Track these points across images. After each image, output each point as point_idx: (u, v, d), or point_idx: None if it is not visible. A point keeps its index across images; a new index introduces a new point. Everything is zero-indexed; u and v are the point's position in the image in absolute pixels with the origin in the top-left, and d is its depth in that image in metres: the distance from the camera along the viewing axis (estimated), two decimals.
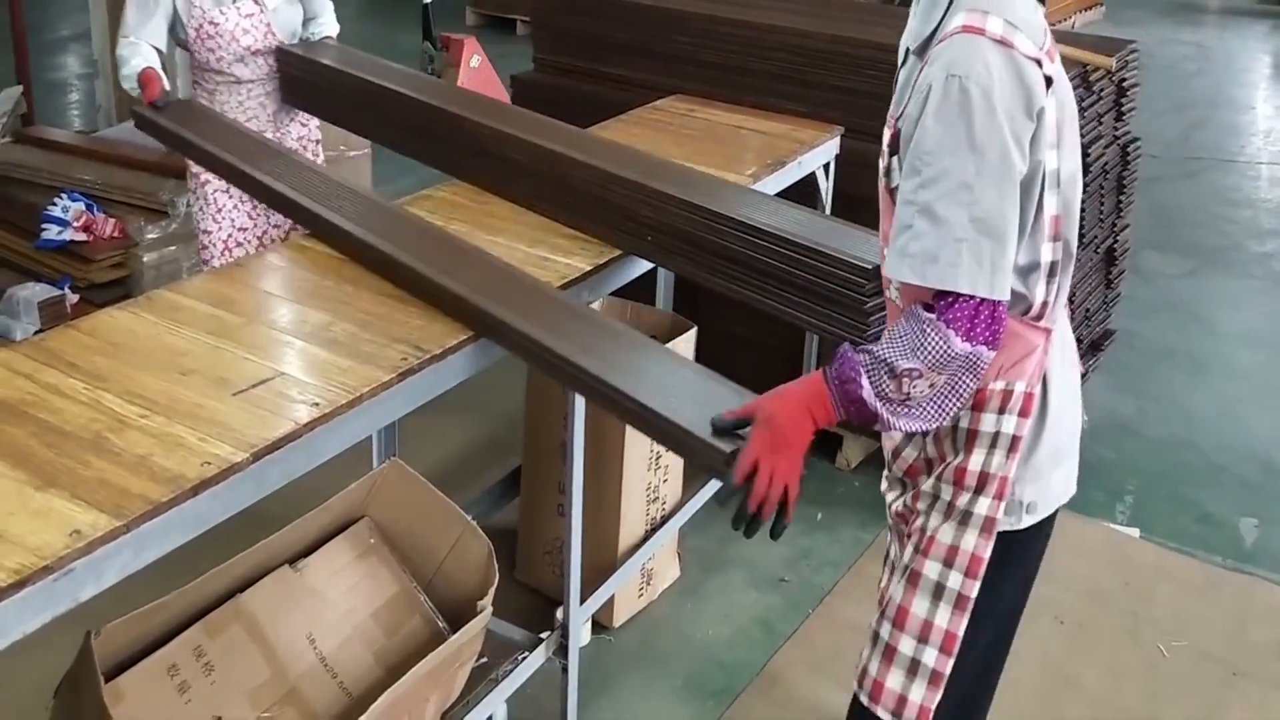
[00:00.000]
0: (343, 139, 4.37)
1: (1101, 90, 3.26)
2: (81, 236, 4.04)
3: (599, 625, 2.70)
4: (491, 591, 2.08)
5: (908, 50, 1.66)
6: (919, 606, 1.71)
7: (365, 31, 7.84)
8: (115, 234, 4.09)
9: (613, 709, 2.52)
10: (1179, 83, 7.94)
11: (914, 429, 1.55)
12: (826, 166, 3.18)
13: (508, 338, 2.02)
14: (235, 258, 3.17)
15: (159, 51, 3.11)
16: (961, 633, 1.70)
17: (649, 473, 2.75)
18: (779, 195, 2.94)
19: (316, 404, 1.78)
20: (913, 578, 1.72)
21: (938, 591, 1.70)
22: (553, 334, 1.97)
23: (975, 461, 1.66)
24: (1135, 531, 3.26)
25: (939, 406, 1.54)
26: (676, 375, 1.88)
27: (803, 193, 3.11)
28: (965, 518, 1.68)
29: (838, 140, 3.19)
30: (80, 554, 1.46)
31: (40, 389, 1.79)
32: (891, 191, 1.63)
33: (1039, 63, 1.52)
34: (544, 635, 2.36)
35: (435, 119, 2.87)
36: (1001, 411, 1.65)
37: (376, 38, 7.66)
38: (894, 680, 1.73)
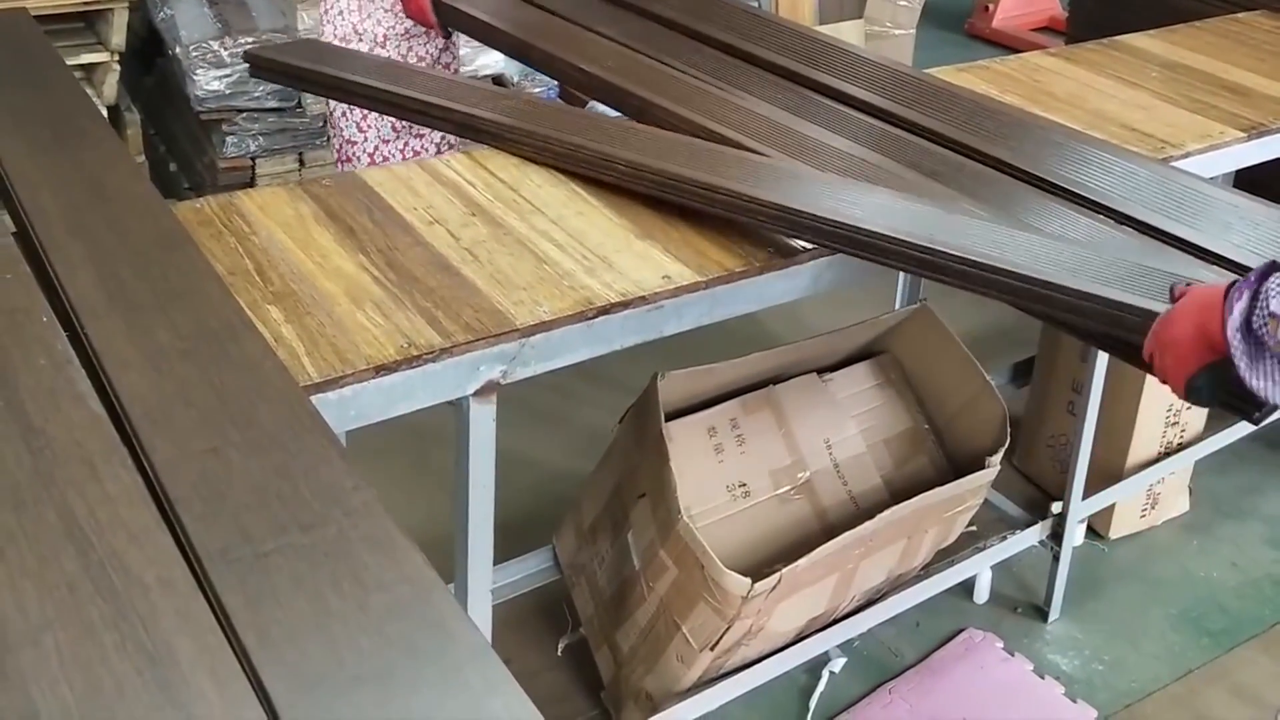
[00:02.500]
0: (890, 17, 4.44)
1: None
2: None
3: (1092, 532, 2.60)
4: (1002, 451, 2.07)
5: None
6: None
7: None
8: None
9: (1097, 611, 2.42)
10: None
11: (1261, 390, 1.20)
12: None
13: None
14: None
15: None
16: None
17: (1173, 395, 2.58)
18: None
19: None
20: None
21: None
22: None
23: None
24: None
25: None
26: None
27: None
28: None
29: None
30: (669, 295, 1.65)
31: None
32: None
33: None
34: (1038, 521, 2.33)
35: None
36: None
37: None
38: None
